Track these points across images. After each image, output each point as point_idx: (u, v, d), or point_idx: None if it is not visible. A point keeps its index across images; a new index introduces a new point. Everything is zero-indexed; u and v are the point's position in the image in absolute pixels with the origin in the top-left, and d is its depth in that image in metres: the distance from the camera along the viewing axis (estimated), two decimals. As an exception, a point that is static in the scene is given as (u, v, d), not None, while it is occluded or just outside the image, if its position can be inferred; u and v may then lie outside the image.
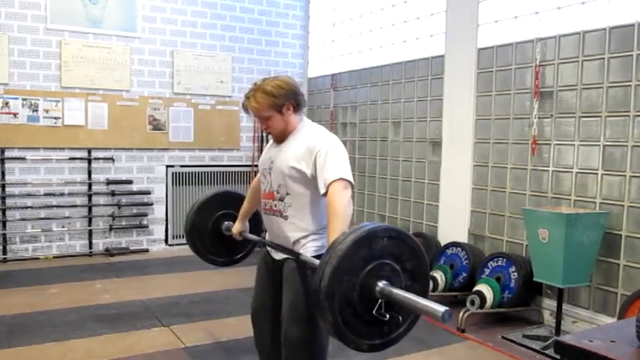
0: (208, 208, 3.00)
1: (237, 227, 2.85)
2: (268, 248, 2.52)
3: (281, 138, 2.42)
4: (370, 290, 1.79)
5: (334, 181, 2.19)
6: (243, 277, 3.58)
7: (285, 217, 2.35)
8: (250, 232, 2.90)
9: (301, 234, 2.35)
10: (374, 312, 1.79)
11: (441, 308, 1.66)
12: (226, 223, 2.96)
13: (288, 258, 2.38)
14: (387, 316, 1.80)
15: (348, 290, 1.77)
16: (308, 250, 2.33)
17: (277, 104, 2.34)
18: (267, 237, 2.56)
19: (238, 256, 3.10)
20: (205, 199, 3.03)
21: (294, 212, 2.34)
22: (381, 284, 1.79)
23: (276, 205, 2.39)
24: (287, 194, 2.34)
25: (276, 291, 2.45)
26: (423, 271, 1.96)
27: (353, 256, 1.78)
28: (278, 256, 2.44)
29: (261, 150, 6.85)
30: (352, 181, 2.25)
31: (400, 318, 1.85)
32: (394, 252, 1.86)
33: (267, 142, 7.11)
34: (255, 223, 2.93)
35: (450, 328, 3.93)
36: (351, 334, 1.81)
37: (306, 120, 2.47)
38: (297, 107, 2.40)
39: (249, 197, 2.82)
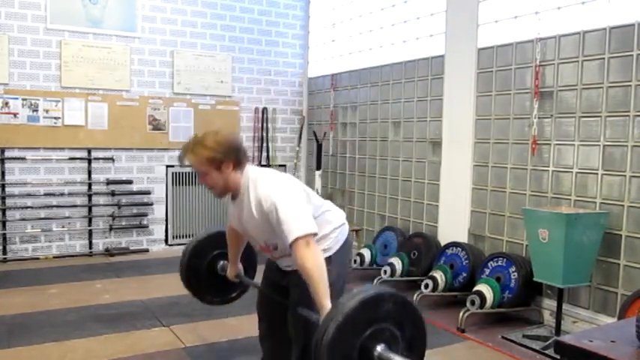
0: (202, 250, 2.99)
1: (232, 272, 2.85)
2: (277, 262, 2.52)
3: (225, 194, 2.37)
4: (369, 352, 1.82)
5: (292, 242, 2.11)
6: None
7: (290, 254, 2.26)
8: (245, 270, 2.92)
9: None
10: None
11: None
12: (221, 262, 2.96)
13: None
14: None
15: (348, 349, 1.80)
16: None
17: (216, 160, 2.24)
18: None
19: (234, 295, 3.11)
20: (197, 241, 3.02)
21: (287, 251, 2.28)
22: (379, 348, 1.82)
23: (277, 252, 2.40)
24: (277, 241, 2.30)
25: (281, 292, 2.48)
26: (422, 341, 1.99)
27: (357, 316, 1.81)
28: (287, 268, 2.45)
29: (261, 150, 6.88)
30: (310, 230, 2.13)
31: None
32: (397, 318, 1.89)
33: (268, 142, 7.17)
34: (249, 261, 2.95)
35: (450, 328, 3.93)
36: None
37: (250, 172, 2.33)
38: (237, 164, 2.29)
39: (231, 244, 2.79)
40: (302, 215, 2.16)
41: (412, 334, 1.93)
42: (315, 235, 2.15)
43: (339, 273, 2.43)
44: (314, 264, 2.08)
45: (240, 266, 2.88)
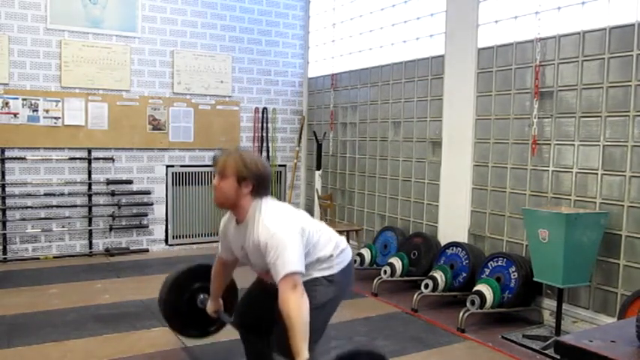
0: (181, 284, 3.00)
1: (211, 307, 2.87)
2: None
3: (226, 206, 2.44)
4: None
5: (281, 280, 2.19)
6: (243, 277, 3.57)
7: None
8: (225, 304, 2.93)
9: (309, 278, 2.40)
10: None
11: None
12: (201, 296, 2.97)
13: None
14: None
15: None
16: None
17: (240, 177, 2.35)
18: None
19: (212, 329, 3.13)
20: (177, 275, 3.03)
21: None
22: None
23: (271, 280, 2.38)
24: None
25: (268, 307, 2.45)
26: None
27: None
28: None
29: (261, 150, 6.87)
30: (299, 269, 2.23)
31: None
32: None
33: (268, 142, 7.16)
34: (230, 299, 2.98)
35: (450, 328, 3.93)
36: None
37: (262, 205, 2.40)
38: (254, 191, 2.38)
39: (215, 278, 2.81)
40: (295, 257, 2.23)
41: None
42: (301, 274, 2.24)
43: (336, 295, 2.48)
44: (297, 313, 2.15)
45: (221, 302, 2.90)
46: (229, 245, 2.57)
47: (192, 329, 3.11)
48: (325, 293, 2.41)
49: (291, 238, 2.27)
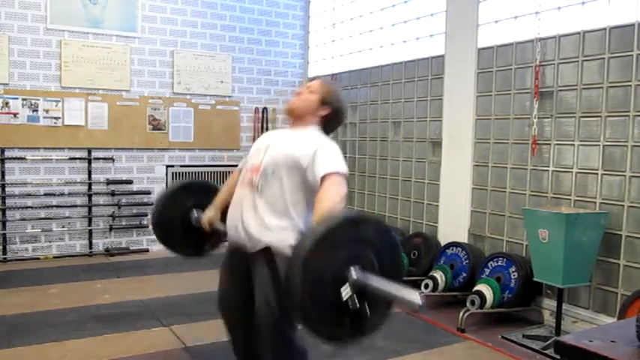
0: (176, 199, 2.93)
1: (208, 215, 2.72)
2: (236, 239, 2.38)
3: (294, 117, 2.46)
4: (344, 279, 1.74)
5: (332, 173, 2.14)
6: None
7: (261, 194, 2.28)
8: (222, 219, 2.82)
9: (274, 221, 2.25)
10: (347, 300, 1.73)
11: (417, 300, 1.61)
12: (195, 214, 2.88)
13: (257, 251, 2.28)
14: (367, 310, 1.77)
15: (321, 278, 1.72)
16: (281, 239, 2.21)
17: (324, 100, 2.43)
18: (231, 226, 2.43)
19: (207, 247, 3.01)
20: (172, 190, 2.99)
21: (274, 193, 2.26)
22: (355, 275, 1.75)
23: (256, 179, 2.32)
24: (273, 172, 2.28)
25: (246, 289, 2.35)
26: (398, 267, 1.94)
27: (329, 244, 1.73)
28: (248, 246, 2.32)
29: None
30: (345, 171, 2.22)
31: (373, 309, 1.81)
32: (376, 245, 1.83)
33: (267, 142, 7.09)
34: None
35: (450, 328, 3.93)
36: (322, 324, 1.77)
37: (322, 135, 2.43)
38: (326, 119, 2.45)
39: (227, 189, 2.72)
40: (342, 163, 2.23)
41: (390, 267, 1.86)
42: (346, 177, 2.21)
43: None
44: (333, 206, 2.04)
45: (219, 215, 2.76)
46: (257, 147, 2.47)
47: (186, 247, 3.03)
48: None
49: (342, 157, 2.28)
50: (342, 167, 2.21)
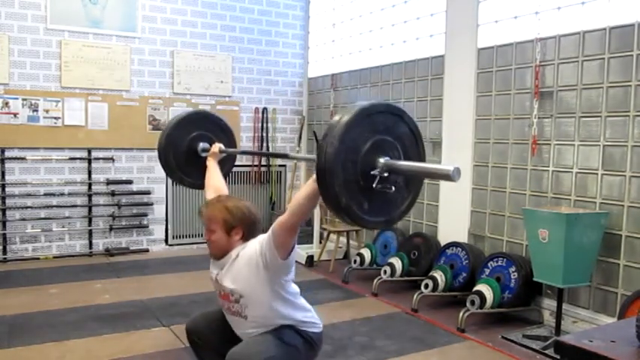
0: (186, 125, 2.96)
1: (218, 145, 2.90)
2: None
3: (220, 256, 2.40)
4: (373, 165, 1.77)
5: (276, 222, 2.17)
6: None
7: (245, 317, 2.34)
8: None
9: (266, 329, 2.33)
10: (377, 185, 1.76)
11: (449, 167, 1.63)
12: (202, 144, 2.93)
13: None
14: (393, 187, 1.79)
15: (350, 167, 1.73)
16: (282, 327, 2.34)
17: (229, 224, 2.34)
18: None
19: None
20: (185, 115, 3.01)
21: (258, 312, 2.32)
22: (382, 160, 1.77)
23: (233, 307, 2.38)
24: (241, 297, 2.32)
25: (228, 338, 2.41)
26: (419, 148, 1.93)
27: (352, 135, 1.75)
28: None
29: (261, 150, 6.87)
30: None
31: (404, 188, 1.86)
32: (390, 128, 1.85)
33: (268, 142, 7.16)
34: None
35: (450, 328, 3.93)
36: (356, 210, 1.76)
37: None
38: (245, 236, 2.37)
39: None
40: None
41: (409, 142, 1.89)
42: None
43: (300, 356, 2.39)
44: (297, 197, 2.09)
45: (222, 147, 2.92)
46: (211, 274, 2.49)
47: (188, 176, 3.06)
48: (300, 342, 2.36)
49: None
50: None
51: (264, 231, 2.30)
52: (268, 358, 2.20)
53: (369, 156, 1.76)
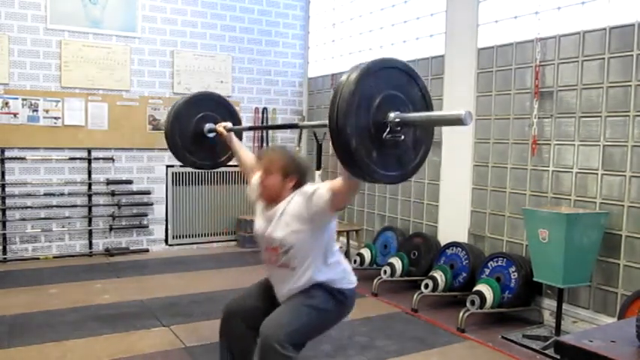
0: (194, 105, 2.99)
1: (224, 123, 2.99)
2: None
3: (271, 200, 2.51)
4: (384, 116, 1.81)
5: (328, 187, 2.29)
6: (243, 276, 3.60)
7: (293, 269, 2.45)
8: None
9: (311, 282, 2.45)
10: (387, 135, 1.80)
11: (460, 110, 1.64)
12: (207, 125, 2.97)
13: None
14: (403, 136, 1.83)
15: (363, 113, 1.78)
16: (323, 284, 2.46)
17: (286, 170, 2.47)
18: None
19: (223, 158, 3.13)
20: (193, 95, 3.05)
21: (301, 263, 2.43)
22: (393, 113, 1.81)
23: (279, 258, 2.48)
24: (290, 248, 2.43)
25: (268, 307, 2.50)
26: (425, 98, 1.97)
27: (369, 82, 1.79)
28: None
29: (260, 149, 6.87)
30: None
31: (415, 142, 1.92)
32: (404, 87, 1.88)
33: (268, 142, 7.15)
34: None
35: (450, 328, 3.93)
36: (369, 163, 1.80)
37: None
38: (298, 185, 2.50)
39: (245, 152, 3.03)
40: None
41: (414, 94, 1.92)
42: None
43: (337, 314, 2.56)
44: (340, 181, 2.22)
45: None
46: (256, 230, 2.60)
47: (192, 155, 3.10)
48: (332, 304, 2.49)
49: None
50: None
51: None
52: (301, 325, 2.35)
53: (381, 107, 1.81)
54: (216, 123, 3.10)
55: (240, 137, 3.17)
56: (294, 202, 2.44)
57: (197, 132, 3.04)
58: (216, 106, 3.16)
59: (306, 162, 2.65)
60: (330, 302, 2.47)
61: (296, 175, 2.48)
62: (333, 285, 2.49)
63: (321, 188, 2.34)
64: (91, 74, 5.90)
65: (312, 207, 2.35)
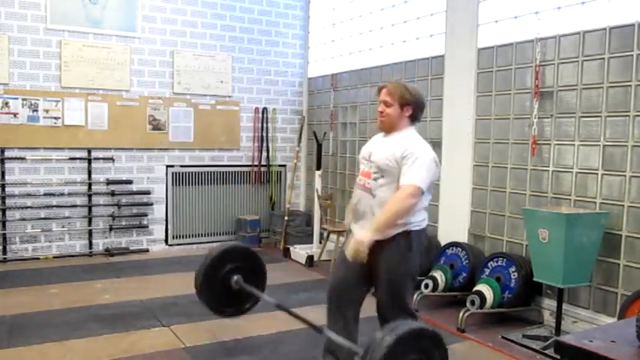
0: (219, 263, 3.12)
1: (347, 220, 3.12)
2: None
3: (387, 130, 2.77)
4: None
5: (406, 184, 2.56)
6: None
7: (374, 195, 2.68)
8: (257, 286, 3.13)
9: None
10: None
11: None
12: (236, 277, 3.08)
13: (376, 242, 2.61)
14: None
15: None
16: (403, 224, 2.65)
17: (404, 100, 2.70)
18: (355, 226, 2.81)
19: (248, 306, 3.21)
20: (217, 254, 3.14)
21: (383, 193, 2.65)
22: None
23: (369, 184, 2.71)
24: (381, 177, 2.67)
25: (364, 273, 2.71)
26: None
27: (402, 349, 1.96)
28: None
29: (261, 150, 6.89)
30: (423, 186, 2.58)
31: None
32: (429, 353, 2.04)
33: (268, 142, 7.16)
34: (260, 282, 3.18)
35: (450, 328, 3.93)
36: None
37: (413, 130, 2.79)
38: (413, 116, 2.75)
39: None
40: (427, 175, 2.61)
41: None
42: (422, 193, 2.59)
43: (421, 250, 2.81)
44: (398, 204, 2.53)
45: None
46: (362, 155, 2.82)
47: (228, 308, 3.19)
48: (421, 243, 2.78)
49: (430, 161, 2.65)
50: (419, 179, 2.56)
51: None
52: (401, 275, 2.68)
53: None
54: (241, 272, 3.12)
55: (262, 289, 3.18)
56: (398, 144, 2.64)
57: (224, 283, 3.12)
58: (242, 258, 3.22)
59: (425, 99, 2.82)
60: (406, 249, 2.69)
61: (413, 106, 2.70)
62: (410, 229, 2.67)
63: (410, 170, 2.57)
64: (91, 74, 5.90)
65: (396, 166, 2.62)
